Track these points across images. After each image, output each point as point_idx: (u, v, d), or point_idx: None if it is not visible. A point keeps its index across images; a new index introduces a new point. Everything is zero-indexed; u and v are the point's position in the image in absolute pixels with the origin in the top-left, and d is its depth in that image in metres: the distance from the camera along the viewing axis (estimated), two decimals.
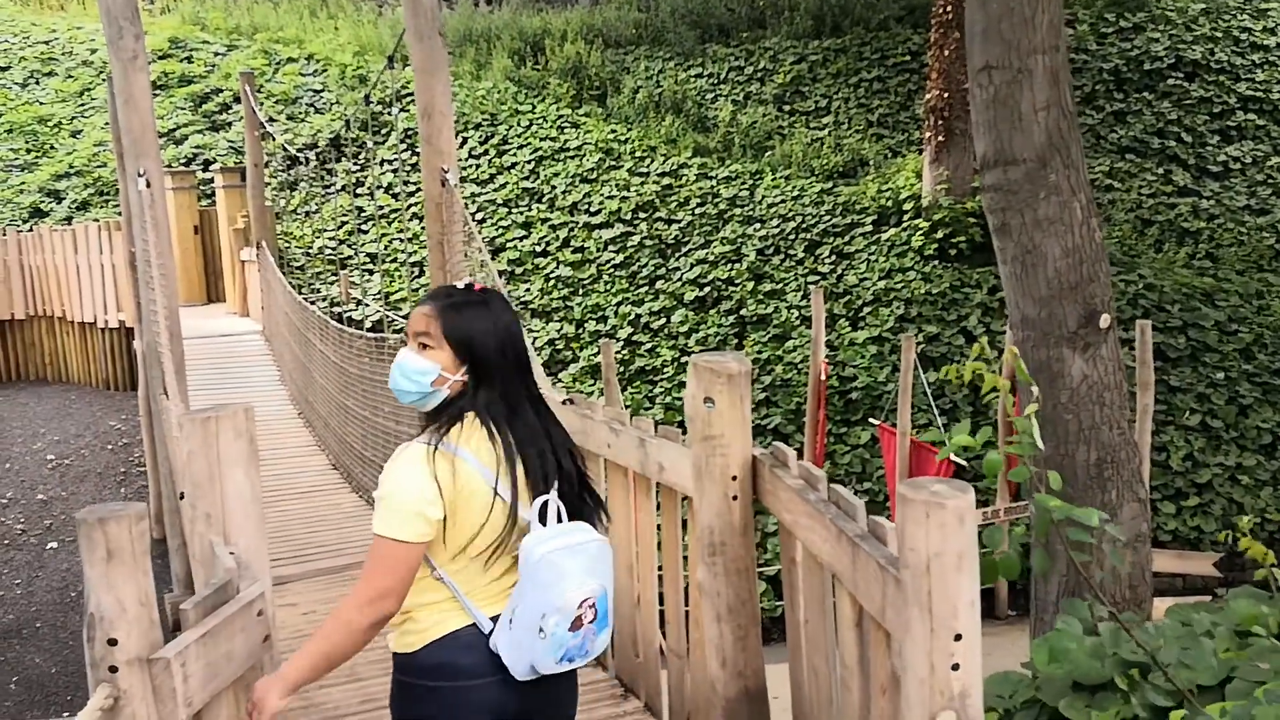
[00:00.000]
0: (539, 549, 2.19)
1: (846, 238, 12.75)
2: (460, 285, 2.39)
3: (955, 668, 1.81)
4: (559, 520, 2.27)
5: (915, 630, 1.83)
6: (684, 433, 3.16)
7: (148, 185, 5.17)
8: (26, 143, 15.90)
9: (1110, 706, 2.82)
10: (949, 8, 12.18)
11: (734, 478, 2.92)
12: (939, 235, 12.23)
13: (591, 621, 2.24)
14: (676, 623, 3.43)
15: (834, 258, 12.54)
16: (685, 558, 3.36)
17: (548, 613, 2.16)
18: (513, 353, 2.32)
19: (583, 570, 2.22)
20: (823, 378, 9.54)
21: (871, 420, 10.44)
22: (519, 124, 14.93)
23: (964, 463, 9.09)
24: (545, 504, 2.27)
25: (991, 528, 2.48)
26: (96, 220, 13.89)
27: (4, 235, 13.53)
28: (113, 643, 1.80)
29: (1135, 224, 13.42)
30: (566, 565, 2.20)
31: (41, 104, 16.52)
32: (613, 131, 14.67)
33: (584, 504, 2.38)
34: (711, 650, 2.97)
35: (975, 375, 2.69)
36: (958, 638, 1.81)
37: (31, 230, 13.90)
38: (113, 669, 1.80)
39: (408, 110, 14.10)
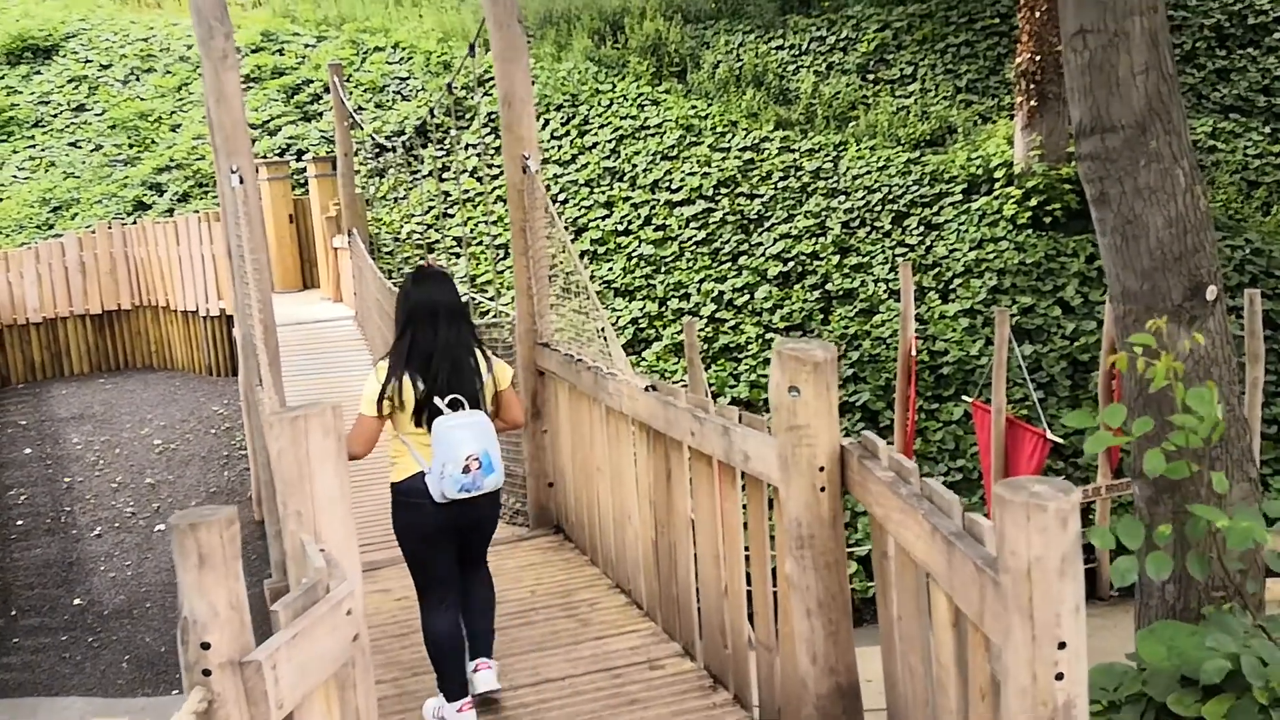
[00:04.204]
0: (440, 426, 3.62)
1: (935, 208, 12.44)
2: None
3: (1059, 677, 1.73)
4: (460, 409, 3.66)
5: (1016, 637, 1.76)
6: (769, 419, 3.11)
7: (240, 181, 5.28)
8: (129, 138, 16.45)
9: (1228, 704, 2.69)
10: None
11: (821, 468, 2.85)
12: (1033, 203, 11.85)
13: (479, 468, 3.62)
14: (765, 614, 3.39)
15: (922, 229, 12.25)
16: (773, 549, 3.31)
17: (446, 463, 3.59)
18: (422, 313, 3.71)
19: (472, 439, 3.61)
20: (912, 353, 9.34)
21: (964, 397, 10.20)
22: (600, 104, 14.89)
23: (1061, 440, 8.82)
24: (454, 400, 3.67)
25: (1125, 520, 2.37)
26: (197, 212, 14.32)
27: (110, 228, 14.03)
28: (205, 646, 1.83)
29: (1241, 186, 12.81)
30: (459, 435, 3.60)
31: (142, 100, 17.07)
32: (693, 108, 14.54)
33: (480, 403, 3.76)
34: (802, 645, 2.92)
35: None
36: (1061, 645, 1.73)
37: (135, 223, 14.39)
38: (206, 672, 1.83)
39: (491, 94, 14.18)
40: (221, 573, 1.85)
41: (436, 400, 3.64)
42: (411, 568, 3.82)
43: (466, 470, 3.58)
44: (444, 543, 3.73)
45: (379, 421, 3.71)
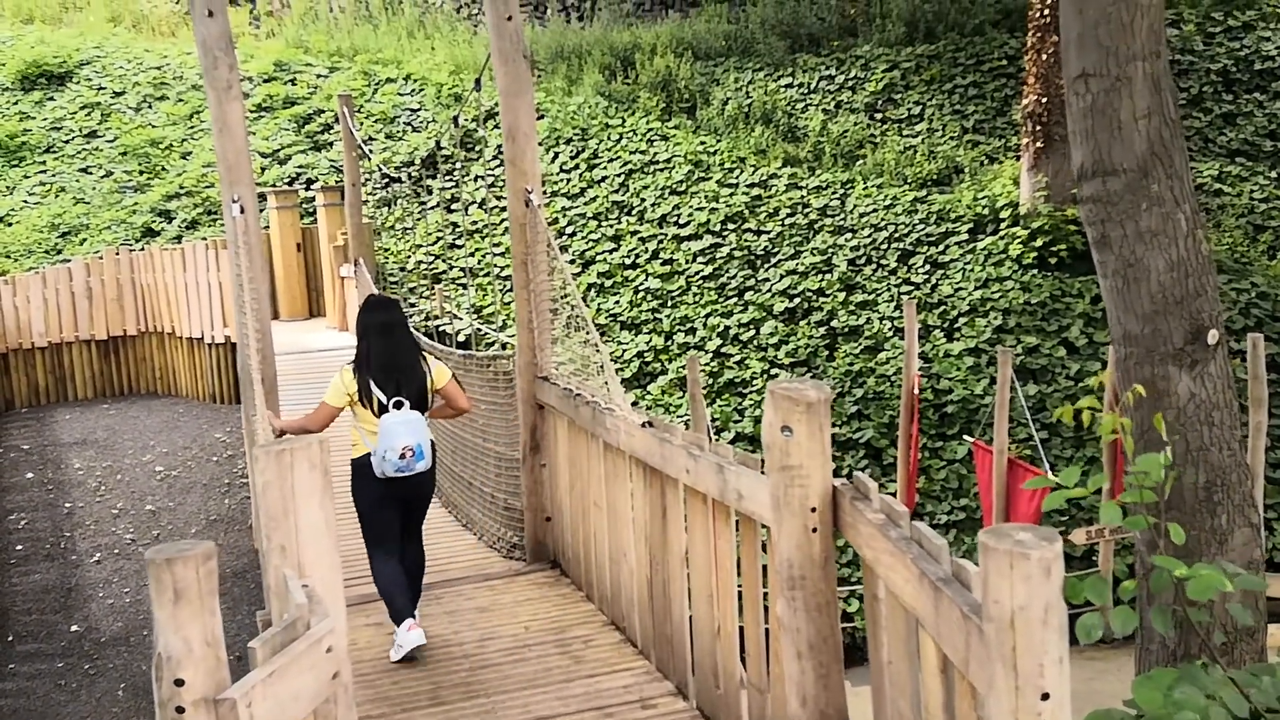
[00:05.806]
0: (384, 421, 4.66)
1: (941, 247, 12.45)
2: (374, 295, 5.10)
3: None
4: (400, 408, 4.70)
5: (999, 687, 1.73)
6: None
7: (242, 211, 5.31)
8: (139, 165, 16.57)
9: None
10: (1046, 11, 11.84)
11: (813, 509, 2.83)
12: (1038, 243, 11.86)
13: (412, 455, 4.66)
14: (757, 655, 3.35)
15: (928, 267, 12.27)
16: (766, 589, 3.27)
17: (387, 450, 4.63)
18: (375, 330, 4.79)
19: (407, 432, 4.65)
20: (916, 391, 9.31)
21: (966, 436, 10.16)
22: (609, 138, 14.98)
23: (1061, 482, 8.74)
24: (397, 400, 4.70)
25: (1094, 578, 2.33)
26: (204, 239, 14.39)
27: (117, 254, 14.11)
28: (179, 683, 1.81)
29: (1247, 230, 12.81)
30: (397, 430, 4.64)
31: (154, 127, 17.21)
32: (702, 143, 14.62)
33: (425, 402, 4.85)
34: (792, 688, 2.89)
35: (1085, 392, 2.54)
36: (1045, 697, 1.70)
37: (144, 249, 14.47)
38: (180, 709, 1.81)
39: (501, 126, 14.27)
40: (197, 608, 1.83)
41: (381, 398, 4.69)
42: (363, 525, 4.86)
43: (403, 456, 4.64)
44: (388, 507, 4.81)
45: (337, 410, 4.80)
